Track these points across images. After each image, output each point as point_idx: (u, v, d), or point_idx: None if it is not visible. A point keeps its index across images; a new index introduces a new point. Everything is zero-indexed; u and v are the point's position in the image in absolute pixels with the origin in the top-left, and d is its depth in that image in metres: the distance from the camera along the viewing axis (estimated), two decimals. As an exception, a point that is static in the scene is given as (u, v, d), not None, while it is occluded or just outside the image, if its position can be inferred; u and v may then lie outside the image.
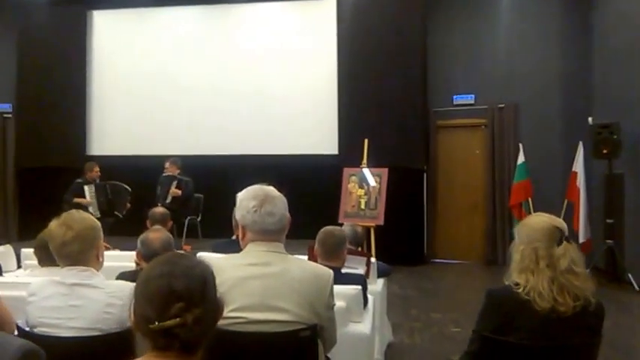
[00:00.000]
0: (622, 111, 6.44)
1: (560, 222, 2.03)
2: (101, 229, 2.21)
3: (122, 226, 6.81)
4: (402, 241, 7.24)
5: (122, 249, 4.29)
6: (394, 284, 5.82)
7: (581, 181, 6.83)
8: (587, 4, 7.48)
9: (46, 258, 2.69)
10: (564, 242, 1.96)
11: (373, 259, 3.83)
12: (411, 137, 7.54)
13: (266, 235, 1.96)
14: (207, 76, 8.49)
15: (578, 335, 1.92)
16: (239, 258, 1.99)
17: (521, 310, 1.90)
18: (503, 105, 7.71)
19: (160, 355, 1.24)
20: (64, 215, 2.16)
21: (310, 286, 1.92)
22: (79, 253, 2.07)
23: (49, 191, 7.69)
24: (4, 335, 1.71)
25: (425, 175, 7.81)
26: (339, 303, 2.35)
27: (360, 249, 4.29)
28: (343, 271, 3.15)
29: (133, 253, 2.95)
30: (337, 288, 2.11)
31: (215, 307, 1.32)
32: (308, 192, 7.12)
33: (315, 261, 2.89)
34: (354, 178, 6.75)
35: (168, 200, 7.41)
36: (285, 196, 2.05)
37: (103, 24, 9.03)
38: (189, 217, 7.63)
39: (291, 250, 2.03)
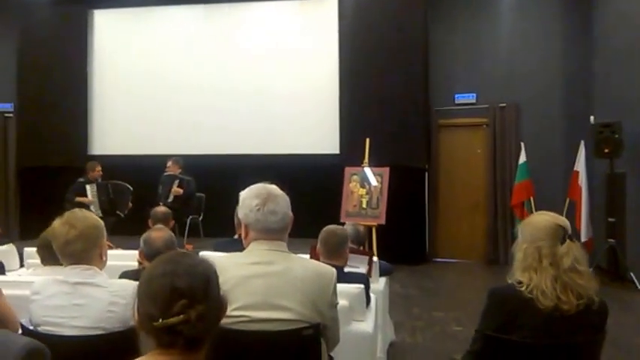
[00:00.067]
0: (623, 111, 6.44)
1: (563, 220, 2.03)
2: (104, 227, 2.21)
3: (124, 226, 6.81)
4: (404, 240, 7.24)
5: (124, 248, 4.28)
6: (396, 283, 5.82)
7: (582, 180, 6.83)
8: (588, 5, 7.48)
9: (49, 257, 2.69)
10: (567, 241, 1.96)
11: (375, 258, 3.83)
12: (413, 136, 7.53)
13: (269, 233, 1.96)
14: (208, 76, 8.49)
15: (581, 333, 1.91)
16: (242, 257, 1.99)
17: (524, 308, 1.90)
18: (504, 104, 7.71)
19: (163, 352, 1.25)
20: (68, 214, 2.16)
21: (313, 284, 1.92)
22: (82, 252, 2.07)
23: (51, 191, 7.70)
24: (9, 334, 1.71)
25: (426, 174, 7.80)
26: (341, 302, 2.35)
27: (361, 248, 4.30)
28: (346, 269, 3.16)
29: (135, 252, 2.95)
30: (340, 287, 2.10)
31: (218, 304, 1.32)
32: (309, 191, 7.13)
33: (318, 260, 2.90)
34: (355, 177, 6.75)
35: (170, 199, 7.42)
36: (286, 195, 2.05)
37: (104, 23, 9.03)
38: (190, 217, 7.64)
39: (292, 249, 2.02)
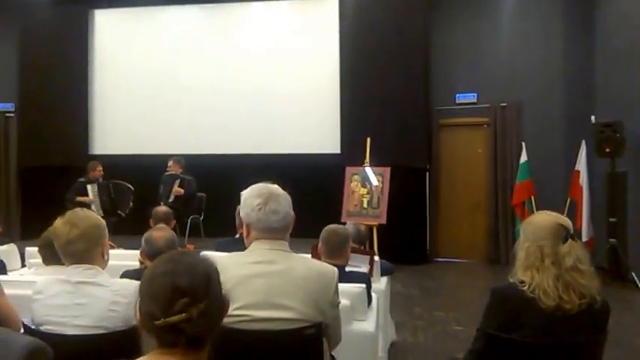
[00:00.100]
0: (624, 110, 6.44)
1: (565, 220, 2.03)
2: (106, 227, 2.21)
3: (125, 225, 6.82)
4: (405, 239, 7.23)
5: (125, 248, 4.28)
6: (397, 283, 5.82)
7: (583, 180, 6.82)
8: (589, 5, 7.47)
9: (51, 256, 2.69)
10: (569, 240, 1.95)
11: (377, 258, 3.83)
12: (414, 136, 7.53)
13: (270, 233, 1.96)
14: (209, 75, 8.49)
15: (583, 333, 1.91)
16: (243, 256, 1.99)
17: (526, 307, 1.90)
18: (505, 104, 7.70)
19: (166, 352, 1.25)
20: (69, 213, 2.16)
21: (315, 284, 1.92)
22: (84, 252, 2.07)
23: (52, 191, 7.70)
24: (12, 333, 1.71)
25: (427, 174, 7.80)
26: (343, 301, 2.35)
27: (363, 248, 4.30)
28: (347, 269, 3.15)
29: (136, 252, 2.95)
30: (341, 286, 2.10)
31: (220, 303, 1.32)
32: (310, 191, 7.12)
33: (319, 259, 2.90)
34: (356, 177, 6.75)
35: (171, 199, 7.42)
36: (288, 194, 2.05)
37: (105, 23, 9.03)
38: (191, 216, 7.64)
39: (293, 249, 2.02)
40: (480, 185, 7.92)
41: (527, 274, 1.95)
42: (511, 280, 2.00)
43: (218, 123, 8.36)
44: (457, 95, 7.94)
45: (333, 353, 2.17)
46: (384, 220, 6.43)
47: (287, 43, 8.35)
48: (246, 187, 2.06)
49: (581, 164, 6.88)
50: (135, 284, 1.94)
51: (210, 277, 1.30)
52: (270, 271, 1.90)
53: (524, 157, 7.30)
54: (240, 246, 2.15)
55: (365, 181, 6.67)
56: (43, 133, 8.69)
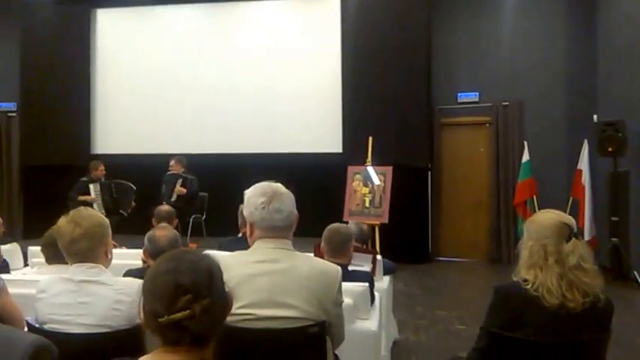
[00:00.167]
0: (625, 110, 6.43)
1: (569, 218, 2.03)
2: (109, 226, 2.22)
3: (127, 225, 6.81)
4: (407, 239, 7.23)
5: (128, 247, 4.29)
6: (399, 282, 5.82)
7: (586, 179, 6.82)
8: (592, 5, 7.46)
9: (54, 255, 2.70)
10: (573, 239, 1.95)
11: (379, 257, 3.83)
12: (416, 135, 7.52)
13: (274, 231, 1.96)
14: (211, 75, 8.50)
15: (587, 331, 1.91)
16: (246, 255, 1.99)
17: (529, 306, 1.90)
18: (507, 103, 7.69)
19: (170, 350, 1.25)
20: (73, 212, 2.16)
21: (318, 282, 1.92)
22: (87, 250, 2.07)
23: (54, 190, 7.72)
24: (16, 331, 1.72)
25: (429, 173, 7.80)
26: (346, 300, 2.35)
27: (365, 247, 4.30)
28: (350, 268, 3.16)
29: (139, 251, 2.95)
30: (344, 285, 2.10)
31: (223, 300, 1.32)
32: (312, 190, 7.11)
33: (322, 258, 2.89)
34: (358, 176, 6.75)
35: (174, 198, 7.42)
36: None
37: (107, 22, 9.04)
38: (193, 216, 7.65)
39: (295, 248, 2.03)
40: (481, 184, 7.91)
41: (530, 272, 1.95)
42: (514, 279, 2.00)
43: (220, 122, 8.36)
44: (459, 94, 7.93)
45: (336, 352, 2.17)
46: (386, 220, 6.43)
47: (289, 42, 8.35)
48: (247, 187, 2.05)
49: (584, 163, 6.88)
50: (138, 283, 1.94)
51: (212, 274, 1.30)
52: (274, 270, 1.90)
53: (526, 157, 7.30)
54: (243, 245, 2.14)
55: (367, 180, 6.67)
56: (45, 132, 8.69)
